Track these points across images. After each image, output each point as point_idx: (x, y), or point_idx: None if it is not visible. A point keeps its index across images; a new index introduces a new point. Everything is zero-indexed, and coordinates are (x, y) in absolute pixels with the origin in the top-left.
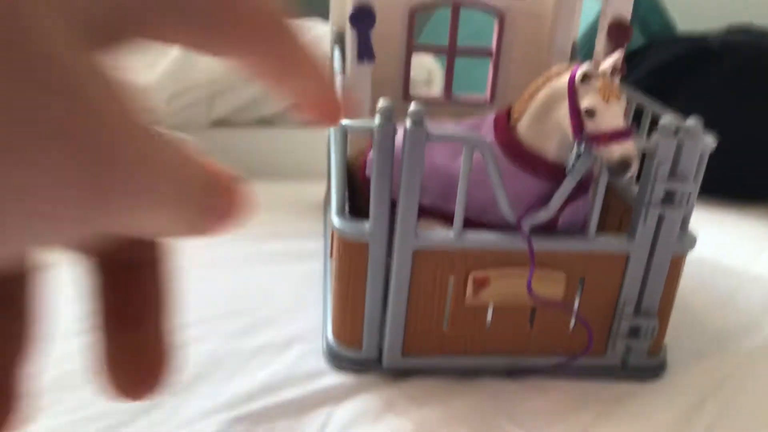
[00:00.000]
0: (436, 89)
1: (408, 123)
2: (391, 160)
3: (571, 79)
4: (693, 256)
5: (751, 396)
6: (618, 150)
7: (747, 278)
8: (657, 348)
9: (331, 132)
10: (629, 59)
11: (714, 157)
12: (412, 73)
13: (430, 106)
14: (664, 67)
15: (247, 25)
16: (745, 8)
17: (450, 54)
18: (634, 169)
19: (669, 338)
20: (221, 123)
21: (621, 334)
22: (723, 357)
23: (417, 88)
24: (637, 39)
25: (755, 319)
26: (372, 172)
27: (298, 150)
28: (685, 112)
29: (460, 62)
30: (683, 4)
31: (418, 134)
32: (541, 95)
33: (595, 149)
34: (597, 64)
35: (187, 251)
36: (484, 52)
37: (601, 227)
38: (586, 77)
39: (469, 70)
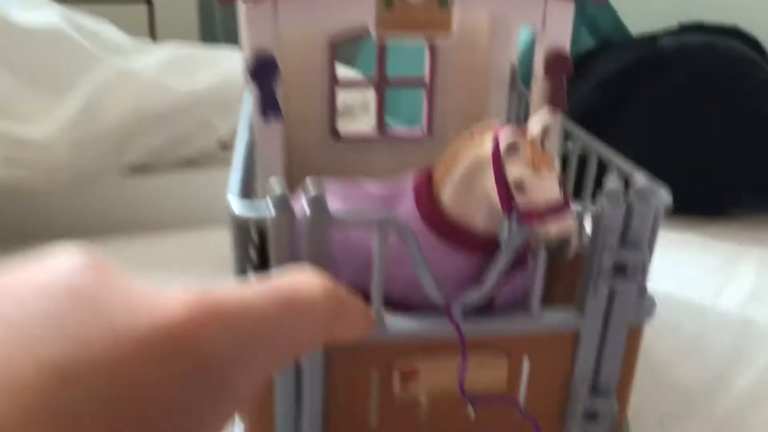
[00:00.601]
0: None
1: (307, 209)
2: (290, 251)
3: (495, 150)
4: (656, 292)
5: None
6: (554, 228)
7: (714, 317)
8: (618, 427)
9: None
10: (580, 64)
11: (671, 172)
12: (348, 99)
13: (362, 144)
14: (614, 77)
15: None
16: (695, 6)
17: (379, 87)
18: (574, 246)
19: (630, 405)
20: (137, 169)
21: (576, 419)
22: (693, 423)
23: (353, 116)
24: (587, 41)
25: (724, 371)
26: (272, 262)
27: (225, 191)
28: (637, 126)
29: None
30: (633, 3)
31: (320, 222)
32: (464, 163)
33: (528, 226)
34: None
35: None
36: (417, 83)
37: (548, 286)
38: (511, 146)
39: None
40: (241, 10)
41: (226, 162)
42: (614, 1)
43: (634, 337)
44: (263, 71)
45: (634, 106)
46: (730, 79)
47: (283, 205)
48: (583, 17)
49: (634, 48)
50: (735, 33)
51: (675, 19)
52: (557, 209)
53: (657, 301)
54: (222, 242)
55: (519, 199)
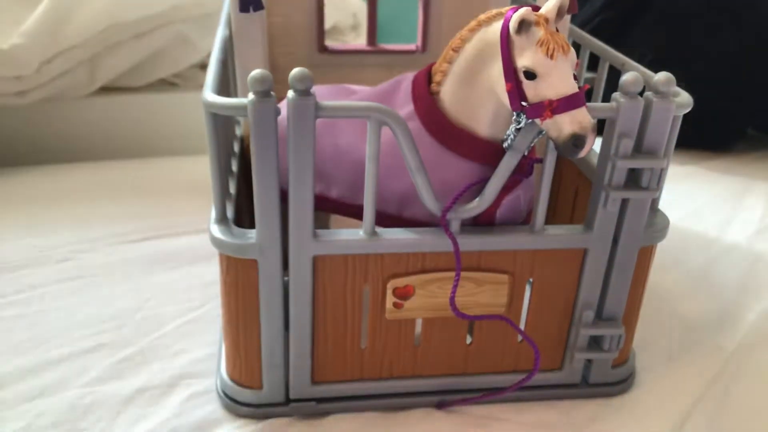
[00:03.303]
0: (364, 38)
1: (290, 94)
2: (274, 150)
3: (504, 29)
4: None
5: (741, 405)
6: (568, 123)
7: (721, 249)
8: (623, 357)
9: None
10: None
11: None
12: (336, 18)
13: (351, 58)
14: None
15: None
16: None
17: None
18: (590, 144)
19: (636, 337)
20: (109, 89)
21: (580, 346)
22: (701, 357)
23: (342, 36)
24: None
25: (733, 304)
26: (252, 165)
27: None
28: (643, 49)
29: (394, 3)
30: None
31: (305, 107)
32: (468, 50)
33: (539, 121)
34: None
35: (49, 259)
36: None
37: (551, 208)
38: (523, 25)
39: (405, 12)
40: None
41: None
42: None
43: (644, 259)
44: None
45: (640, 29)
46: (739, 2)
47: (266, 88)
48: None
49: None
50: None
51: None
52: (572, 101)
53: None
54: (201, 169)
55: (529, 91)
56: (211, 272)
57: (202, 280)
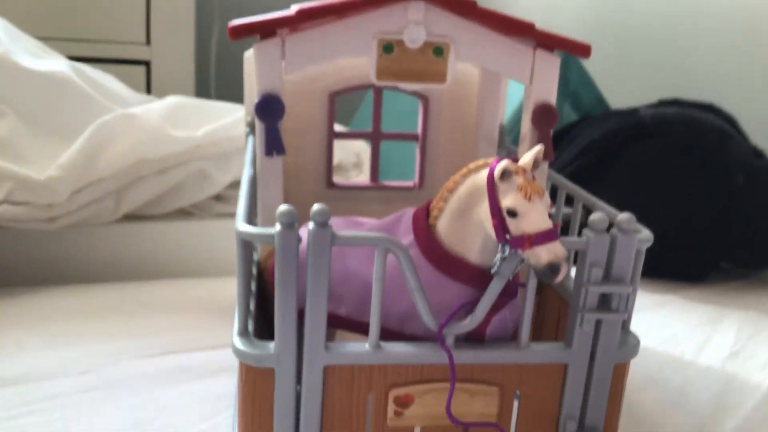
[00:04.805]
0: (365, 174)
1: (311, 225)
2: (295, 273)
3: (490, 176)
4: (640, 347)
5: None
6: (544, 254)
7: (696, 371)
8: None
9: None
10: (562, 135)
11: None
12: (341, 157)
13: (355, 193)
14: (597, 144)
15: None
16: (673, 83)
17: (374, 139)
18: (564, 271)
19: None
20: (132, 217)
21: None
22: None
23: (346, 173)
24: (569, 114)
25: (708, 421)
26: (275, 286)
27: (219, 243)
28: (619, 192)
29: (393, 145)
30: (613, 79)
31: (323, 237)
32: (461, 192)
33: (520, 251)
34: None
35: (68, 371)
36: (410, 137)
37: (537, 324)
38: (505, 174)
39: (402, 152)
40: (253, 55)
41: (220, 215)
42: (596, 79)
43: (619, 374)
44: (270, 110)
45: (615, 171)
46: (705, 148)
47: (290, 221)
48: (567, 93)
49: (616, 117)
50: (710, 108)
51: (653, 97)
52: (548, 235)
53: (640, 356)
54: (215, 290)
55: (512, 227)
56: (221, 385)
57: (212, 393)
